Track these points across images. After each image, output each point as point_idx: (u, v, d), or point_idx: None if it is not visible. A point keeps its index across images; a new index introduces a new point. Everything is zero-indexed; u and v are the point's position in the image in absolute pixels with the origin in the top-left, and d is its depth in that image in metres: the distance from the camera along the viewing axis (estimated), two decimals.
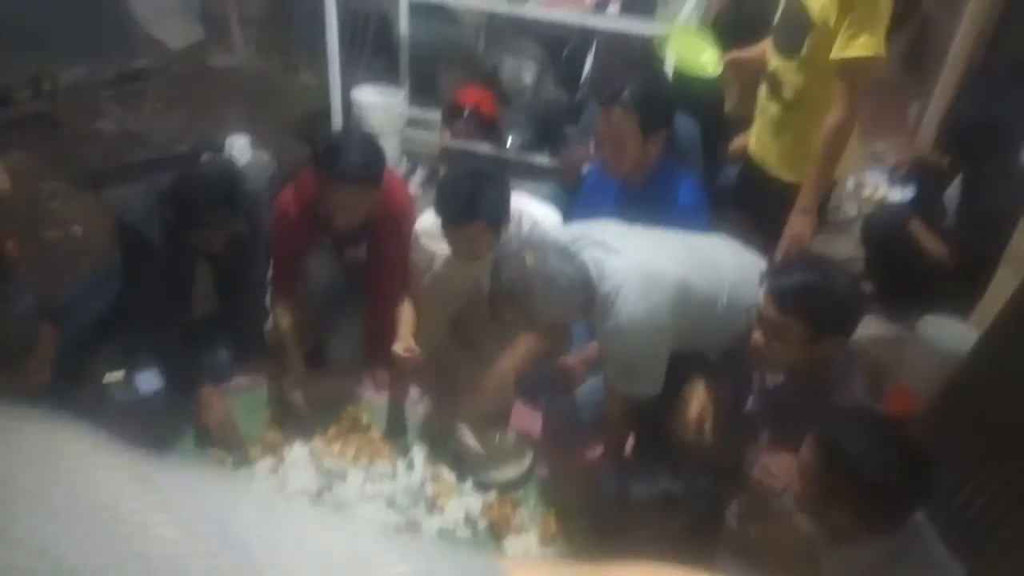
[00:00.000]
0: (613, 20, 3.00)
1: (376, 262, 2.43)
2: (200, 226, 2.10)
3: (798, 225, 2.23)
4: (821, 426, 1.45)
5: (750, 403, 1.86)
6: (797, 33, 2.19)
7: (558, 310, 1.82)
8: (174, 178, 2.09)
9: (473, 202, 2.06)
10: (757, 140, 2.45)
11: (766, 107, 2.37)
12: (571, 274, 1.78)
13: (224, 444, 2.19)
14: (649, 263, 1.85)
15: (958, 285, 2.61)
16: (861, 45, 2.06)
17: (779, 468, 1.57)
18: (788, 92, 2.26)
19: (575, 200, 2.49)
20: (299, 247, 2.38)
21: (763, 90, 2.38)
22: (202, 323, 2.41)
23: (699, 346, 1.95)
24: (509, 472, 2.22)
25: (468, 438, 2.23)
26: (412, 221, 2.41)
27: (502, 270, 1.81)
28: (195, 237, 2.14)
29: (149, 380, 2.38)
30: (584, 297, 1.81)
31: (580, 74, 4.03)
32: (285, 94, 4.46)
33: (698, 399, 1.97)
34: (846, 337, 1.68)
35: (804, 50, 2.17)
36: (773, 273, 1.71)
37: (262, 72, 4.72)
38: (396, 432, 2.34)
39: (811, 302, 1.63)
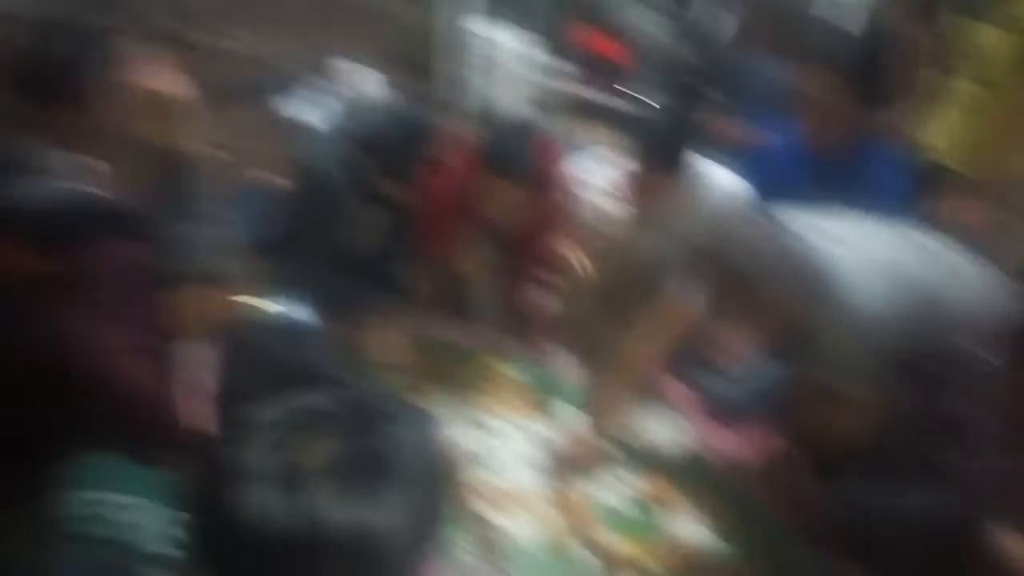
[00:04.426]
0: None
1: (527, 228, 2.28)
2: (406, 177, 2.00)
3: (968, 211, 1.93)
4: None
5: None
6: None
7: (796, 299, 1.60)
8: (370, 125, 1.97)
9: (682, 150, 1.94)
10: (938, 128, 2.16)
11: (959, 87, 2.09)
12: (818, 259, 1.61)
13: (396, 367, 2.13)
14: (884, 252, 1.68)
15: None
16: None
17: None
18: (988, 68, 1.95)
19: (755, 171, 2.32)
20: (450, 234, 2.28)
21: (953, 68, 2.11)
22: (350, 259, 2.30)
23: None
24: (664, 449, 2.11)
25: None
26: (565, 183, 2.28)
27: (732, 251, 1.63)
28: (390, 188, 2.05)
29: (300, 311, 2.30)
30: (820, 286, 1.65)
31: (705, 28, 3.83)
32: (379, 20, 4.28)
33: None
34: None
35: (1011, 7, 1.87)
36: None
37: None
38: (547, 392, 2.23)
39: None
